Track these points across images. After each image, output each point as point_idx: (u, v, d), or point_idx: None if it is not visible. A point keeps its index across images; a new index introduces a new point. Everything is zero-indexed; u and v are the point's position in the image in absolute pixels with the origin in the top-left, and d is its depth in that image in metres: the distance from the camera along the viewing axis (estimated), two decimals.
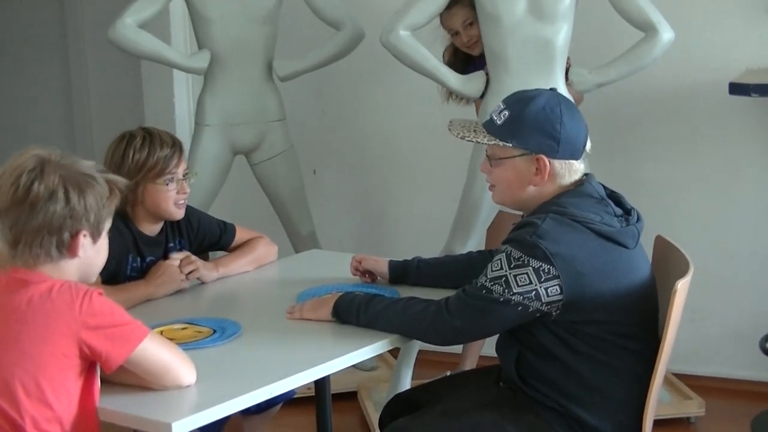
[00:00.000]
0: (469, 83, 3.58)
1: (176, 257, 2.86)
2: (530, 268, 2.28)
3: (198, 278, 2.89)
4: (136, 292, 2.75)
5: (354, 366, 3.03)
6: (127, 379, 2.11)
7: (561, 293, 2.29)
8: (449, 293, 2.43)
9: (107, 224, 2.16)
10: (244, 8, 3.87)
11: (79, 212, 2.07)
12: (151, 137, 2.84)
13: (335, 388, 3.27)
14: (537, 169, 2.40)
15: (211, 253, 3.18)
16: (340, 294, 2.56)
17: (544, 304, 2.30)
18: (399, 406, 2.71)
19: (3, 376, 2.01)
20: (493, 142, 2.42)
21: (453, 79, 3.58)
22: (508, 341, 2.45)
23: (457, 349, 3.90)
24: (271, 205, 4.12)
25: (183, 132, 4.56)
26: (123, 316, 2.07)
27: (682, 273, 2.38)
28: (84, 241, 2.10)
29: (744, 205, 4.05)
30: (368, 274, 2.84)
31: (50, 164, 2.08)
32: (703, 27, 3.96)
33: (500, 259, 2.33)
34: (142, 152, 2.81)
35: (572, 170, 2.42)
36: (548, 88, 2.51)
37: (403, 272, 2.80)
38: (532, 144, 2.39)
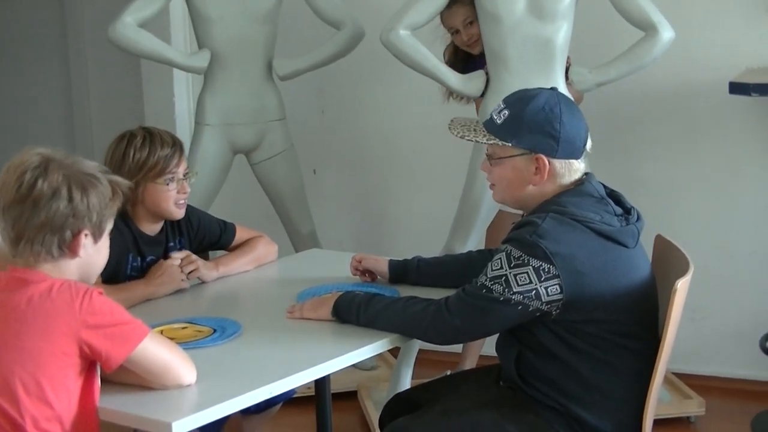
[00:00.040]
0: (469, 82, 3.58)
1: (177, 256, 2.86)
2: (530, 267, 2.28)
3: (198, 278, 2.89)
4: (136, 292, 2.75)
5: (354, 365, 3.03)
6: (128, 378, 2.11)
7: (561, 292, 2.29)
8: (449, 293, 2.43)
9: (109, 225, 2.16)
10: (244, 8, 3.87)
11: (81, 211, 2.07)
12: (151, 137, 2.84)
13: (335, 387, 3.27)
14: (536, 168, 2.40)
15: (211, 253, 3.18)
16: (340, 293, 2.56)
17: (544, 304, 2.30)
18: (399, 406, 2.71)
19: (3, 374, 2.01)
20: (492, 142, 2.42)
21: (453, 78, 3.58)
22: (508, 340, 2.45)
23: (457, 348, 3.90)
24: (271, 204, 4.12)
25: (183, 131, 4.56)
26: (123, 316, 2.08)
27: (682, 272, 2.38)
28: (85, 240, 2.10)
29: (744, 205, 4.05)
30: (368, 274, 2.84)
31: (54, 163, 2.08)
32: (703, 26, 3.96)
33: (500, 258, 2.33)
34: (142, 152, 2.81)
35: (572, 170, 2.42)
36: (548, 87, 2.51)
37: (403, 272, 2.80)
38: (531, 143, 2.39)
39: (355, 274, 2.86)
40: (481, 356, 3.95)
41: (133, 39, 3.79)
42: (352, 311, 2.48)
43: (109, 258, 2.22)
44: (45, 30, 5.68)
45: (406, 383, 3.76)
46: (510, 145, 2.40)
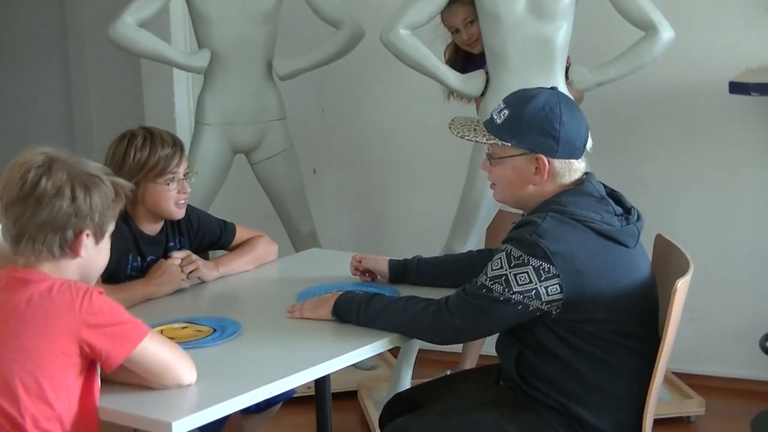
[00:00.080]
0: (469, 82, 3.58)
1: (177, 256, 2.86)
2: (530, 267, 2.28)
3: (198, 277, 2.89)
4: (136, 291, 2.75)
5: (354, 365, 3.03)
6: (128, 378, 2.11)
7: (561, 292, 2.29)
8: (449, 292, 2.43)
9: (110, 227, 2.16)
10: (244, 7, 3.87)
11: (84, 211, 2.08)
12: (152, 137, 2.84)
13: (335, 387, 3.27)
14: (536, 168, 2.39)
15: (210, 253, 3.18)
16: (340, 293, 2.55)
17: (544, 303, 2.30)
18: (399, 406, 2.71)
19: (3, 374, 2.01)
20: (492, 142, 2.42)
21: (453, 78, 3.58)
22: (508, 340, 2.45)
23: (457, 348, 3.90)
24: (271, 204, 4.12)
25: (183, 131, 4.57)
26: (123, 315, 2.08)
27: (682, 272, 2.38)
28: (87, 241, 2.10)
29: (744, 204, 4.05)
30: (368, 274, 2.84)
31: (59, 162, 2.09)
32: (703, 26, 3.96)
33: (500, 258, 2.33)
34: (143, 152, 2.81)
35: (572, 169, 2.42)
36: (548, 86, 2.50)
37: (403, 271, 2.80)
38: (531, 143, 2.39)
39: (355, 274, 2.86)
40: (481, 356, 3.95)
41: (133, 39, 3.79)
42: (352, 311, 2.48)
43: (110, 258, 2.22)
44: (45, 30, 5.68)
45: (406, 383, 3.76)
46: (510, 145, 2.40)
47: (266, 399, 2.21)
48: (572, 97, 2.94)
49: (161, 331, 2.37)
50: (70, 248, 2.09)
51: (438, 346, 2.66)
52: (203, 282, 2.90)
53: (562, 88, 3.42)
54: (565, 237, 2.30)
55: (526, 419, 2.39)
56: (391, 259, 2.83)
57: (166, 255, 2.89)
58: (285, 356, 2.36)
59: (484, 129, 2.44)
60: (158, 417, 2.03)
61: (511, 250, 2.32)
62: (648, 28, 3.44)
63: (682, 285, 2.34)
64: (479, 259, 2.65)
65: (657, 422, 2.52)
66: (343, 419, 3.80)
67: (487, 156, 2.48)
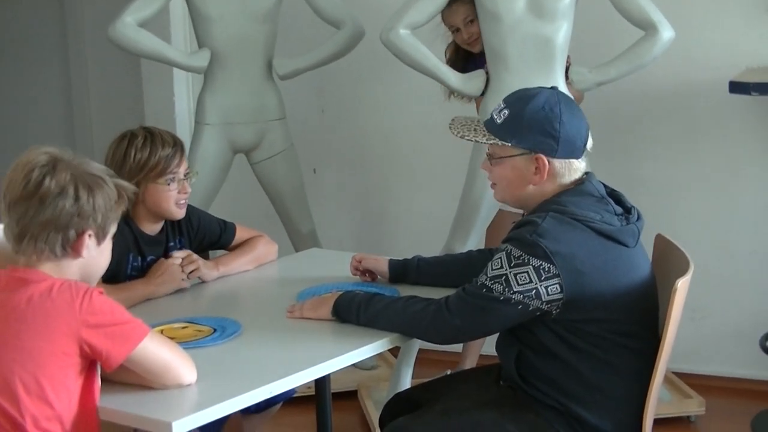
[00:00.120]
0: (470, 82, 3.58)
1: (178, 256, 2.86)
2: (530, 266, 2.28)
3: (198, 277, 2.89)
4: (136, 291, 2.75)
5: (354, 365, 3.03)
6: (128, 377, 2.11)
7: (561, 292, 2.29)
8: (449, 292, 2.43)
9: (113, 228, 2.17)
10: (244, 7, 3.87)
11: (87, 211, 2.08)
12: (152, 137, 2.84)
13: (335, 387, 3.27)
14: (536, 168, 2.39)
15: (210, 252, 3.18)
16: (340, 293, 2.55)
17: (544, 303, 2.30)
18: (399, 405, 2.71)
19: (3, 374, 2.02)
20: (492, 142, 2.42)
21: (453, 77, 3.58)
22: (508, 340, 2.45)
23: (458, 348, 3.90)
24: (271, 204, 4.12)
25: (183, 131, 4.57)
26: (123, 315, 2.08)
27: (683, 272, 2.38)
28: (89, 241, 2.10)
29: (744, 204, 4.05)
30: (368, 273, 2.84)
31: (62, 162, 2.10)
32: (703, 26, 3.96)
33: (500, 257, 2.33)
34: (143, 152, 2.81)
35: (572, 169, 2.42)
36: (549, 86, 2.50)
37: (403, 271, 2.80)
38: (531, 143, 2.39)
39: (355, 274, 2.86)
40: (481, 356, 3.95)
41: (133, 38, 3.79)
42: (352, 311, 2.48)
43: (110, 258, 2.23)
44: (45, 30, 5.68)
45: (406, 383, 3.76)
46: (510, 144, 2.40)
47: (266, 399, 2.21)
48: (572, 97, 2.94)
49: (161, 331, 2.37)
50: (72, 248, 2.09)
51: (438, 345, 2.65)
52: (203, 282, 2.90)
53: (562, 87, 3.42)
54: (565, 237, 2.30)
55: (526, 419, 2.39)
56: (391, 259, 2.83)
57: (166, 255, 2.89)
58: (285, 356, 2.36)
59: (484, 129, 2.44)
60: (158, 417, 2.03)
61: (511, 249, 2.32)
62: (648, 27, 3.44)
63: (682, 285, 2.34)
64: (479, 259, 2.65)
65: (657, 422, 2.52)
66: (343, 419, 3.80)
67: (487, 156, 2.49)
